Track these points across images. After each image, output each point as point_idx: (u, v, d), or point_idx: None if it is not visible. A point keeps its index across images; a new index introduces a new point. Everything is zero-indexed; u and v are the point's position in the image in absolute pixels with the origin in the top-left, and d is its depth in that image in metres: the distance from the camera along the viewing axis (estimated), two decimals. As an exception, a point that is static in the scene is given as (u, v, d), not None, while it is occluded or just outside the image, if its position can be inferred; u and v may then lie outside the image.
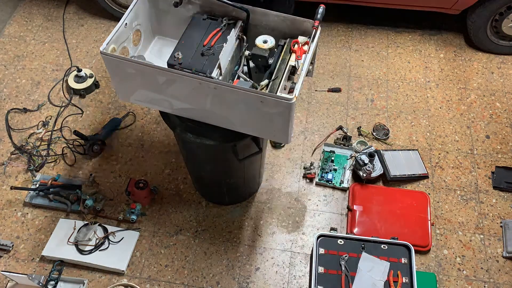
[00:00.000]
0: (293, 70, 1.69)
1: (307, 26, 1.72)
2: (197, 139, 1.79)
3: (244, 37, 1.81)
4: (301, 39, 1.70)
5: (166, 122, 1.86)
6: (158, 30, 1.94)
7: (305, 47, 1.70)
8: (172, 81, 1.62)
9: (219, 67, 1.66)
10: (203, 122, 1.77)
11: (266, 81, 1.64)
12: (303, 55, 1.67)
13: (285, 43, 1.74)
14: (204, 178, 2.31)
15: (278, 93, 1.60)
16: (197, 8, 1.81)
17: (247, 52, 1.79)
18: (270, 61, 1.70)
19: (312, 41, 1.67)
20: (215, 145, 1.81)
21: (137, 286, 2.20)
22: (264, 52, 1.69)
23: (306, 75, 1.75)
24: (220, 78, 1.69)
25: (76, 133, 2.56)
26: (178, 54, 1.65)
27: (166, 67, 1.67)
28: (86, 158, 2.63)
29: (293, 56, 1.69)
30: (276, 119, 1.61)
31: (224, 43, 1.68)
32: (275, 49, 1.73)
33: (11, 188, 2.41)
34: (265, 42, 1.71)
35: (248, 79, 1.75)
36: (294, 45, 1.70)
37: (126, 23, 1.70)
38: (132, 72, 1.66)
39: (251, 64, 1.84)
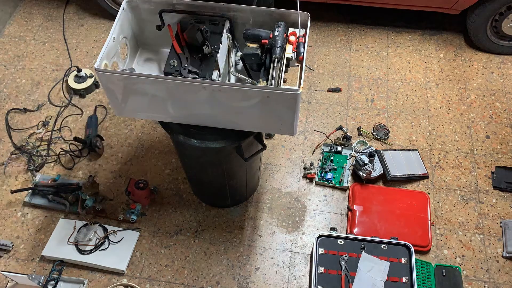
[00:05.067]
0: (288, 63, 1.70)
1: (295, 17, 1.72)
2: (202, 144, 1.78)
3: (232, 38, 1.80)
4: (297, 31, 1.71)
5: (167, 131, 1.84)
6: (142, 40, 1.91)
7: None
8: (174, 89, 1.60)
9: (218, 69, 1.66)
10: (205, 126, 1.76)
11: (264, 78, 1.66)
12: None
13: None
14: (207, 183, 2.30)
15: (282, 86, 1.61)
16: (182, 14, 1.78)
17: (239, 54, 1.78)
18: (263, 57, 1.71)
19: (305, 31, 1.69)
20: (221, 148, 1.79)
21: (137, 286, 2.20)
22: (255, 50, 1.69)
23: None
24: (219, 79, 1.69)
25: (76, 139, 2.57)
26: (173, 61, 1.64)
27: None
28: (93, 157, 2.63)
29: (290, 48, 1.69)
30: (282, 112, 1.62)
31: (220, 44, 1.67)
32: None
33: (11, 192, 2.42)
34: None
35: (246, 77, 1.75)
36: (290, 37, 1.70)
37: (114, 37, 1.67)
38: (133, 87, 1.63)
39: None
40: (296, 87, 1.53)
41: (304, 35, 1.71)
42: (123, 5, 1.74)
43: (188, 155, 2.08)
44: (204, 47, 1.64)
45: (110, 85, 1.65)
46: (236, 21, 1.78)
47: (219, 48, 1.66)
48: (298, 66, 1.68)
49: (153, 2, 1.76)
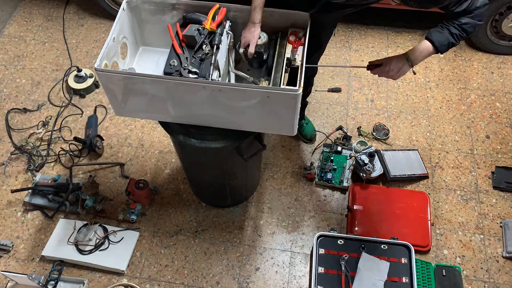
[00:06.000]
0: (288, 62, 1.70)
1: (297, 18, 1.72)
2: (202, 144, 1.78)
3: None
4: (298, 31, 1.72)
5: (167, 131, 1.84)
6: (142, 40, 1.91)
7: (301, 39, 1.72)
8: (174, 89, 1.60)
9: (218, 69, 1.66)
10: (205, 126, 1.76)
11: (265, 78, 1.67)
12: (299, 47, 1.68)
13: (277, 37, 1.74)
14: (207, 183, 2.30)
15: (282, 86, 1.62)
16: (181, 13, 1.77)
17: (241, 50, 1.79)
18: (265, 56, 1.71)
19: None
20: (221, 148, 1.79)
21: (137, 286, 2.20)
22: (259, 48, 1.70)
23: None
24: (219, 79, 1.69)
25: (75, 139, 2.57)
26: (173, 61, 1.64)
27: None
28: (93, 157, 2.63)
29: (289, 48, 1.70)
30: (282, 112, 1.62)
31: (220, 44, 1.67)
32: (268, 44, 1.74)
33: (11, 191, 2.42)
34: (258, 38, 1.72)
35: (248, 76, 1.75)
36: (290, 37, 1.71)
37: (114, 37, 1.67)
38: (133, 87, 1.63)
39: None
40: (296, 87, 1.53)
41: (304, 36, 1.71)
42: (123, 5, 1.74)
43: (188, 155, 2.08)
44: (204, 47, 1.64)
45: (110, 85, 1.65)
46: (236, 21, 1.79)
47: (219, 47, 1.66)
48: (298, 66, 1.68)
49: (152, 2, 1.76)
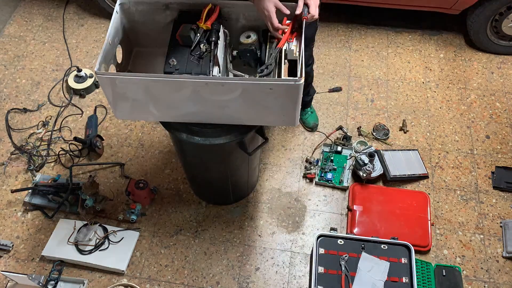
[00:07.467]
0: (286, 54, 1.71)
1: (290, 9, 1.73)
2: (206, 141, 1.78)
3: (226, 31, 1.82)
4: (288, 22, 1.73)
5: (169, 131, 1.84)
6: (136, 42, 1.91)
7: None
8: (177, 88, 1.60)
9: (218, 65, 1.66)
10: (207, 123, 1.77)
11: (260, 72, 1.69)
12: (294, 39, 1.70)
13: (268, 32, 1.75)
14: (210, 181, 2.30)
15: (283, 77, 1.63)
16: (175, 13, 1.78)
17: (234, 52, 1.79)
18: (259, 52, 1.72)
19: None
20: (224, 144, 1.79)
21: (137, 286, 2.20)
22: (250, 46, 1.71)
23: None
24: (220, 75, 1.70)
25: (76, 139, 2.57)
26: (172, 60, 1.64)
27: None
28: (93, 157, 2.63)
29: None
30: (285, 103, 1.62)
31: (218, 40, 1.68)
32: (260, 40, 1.75)
33: (11, 191, 2.42)
34: (248, 37, 1.73)
35: (243, 74, 1.76)
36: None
37: (109, 41, 1.66)
38: (134, 89, 1.62)
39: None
40: (298, 77, 1.54)
41: (299, 27, 1.72)
42: (116, 8, 1.73)
43: (191, 153, 2.08)
44: (201, 45, 1.65)
45: (111, 88, 1.64)
46: (229, 17, 1.79)
47: (217, 44, 1.67)
48: (296, 57, 1.69)
49: (145, 3, 1.76)
